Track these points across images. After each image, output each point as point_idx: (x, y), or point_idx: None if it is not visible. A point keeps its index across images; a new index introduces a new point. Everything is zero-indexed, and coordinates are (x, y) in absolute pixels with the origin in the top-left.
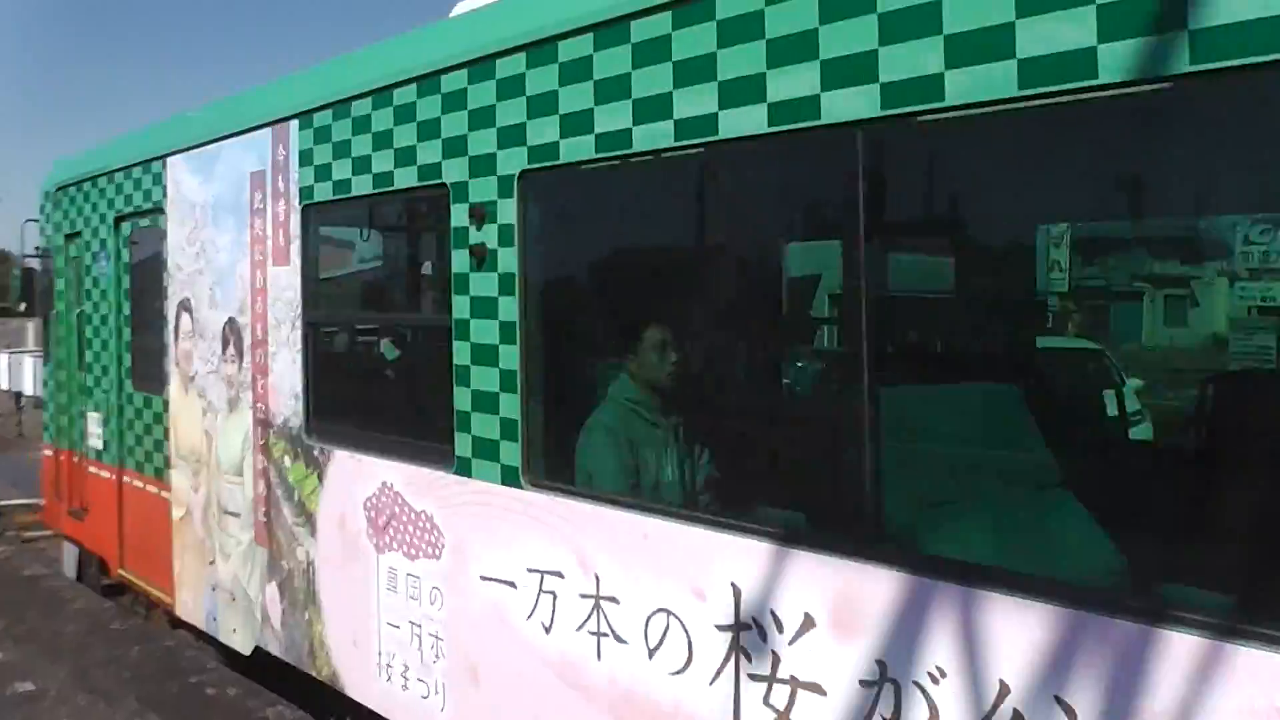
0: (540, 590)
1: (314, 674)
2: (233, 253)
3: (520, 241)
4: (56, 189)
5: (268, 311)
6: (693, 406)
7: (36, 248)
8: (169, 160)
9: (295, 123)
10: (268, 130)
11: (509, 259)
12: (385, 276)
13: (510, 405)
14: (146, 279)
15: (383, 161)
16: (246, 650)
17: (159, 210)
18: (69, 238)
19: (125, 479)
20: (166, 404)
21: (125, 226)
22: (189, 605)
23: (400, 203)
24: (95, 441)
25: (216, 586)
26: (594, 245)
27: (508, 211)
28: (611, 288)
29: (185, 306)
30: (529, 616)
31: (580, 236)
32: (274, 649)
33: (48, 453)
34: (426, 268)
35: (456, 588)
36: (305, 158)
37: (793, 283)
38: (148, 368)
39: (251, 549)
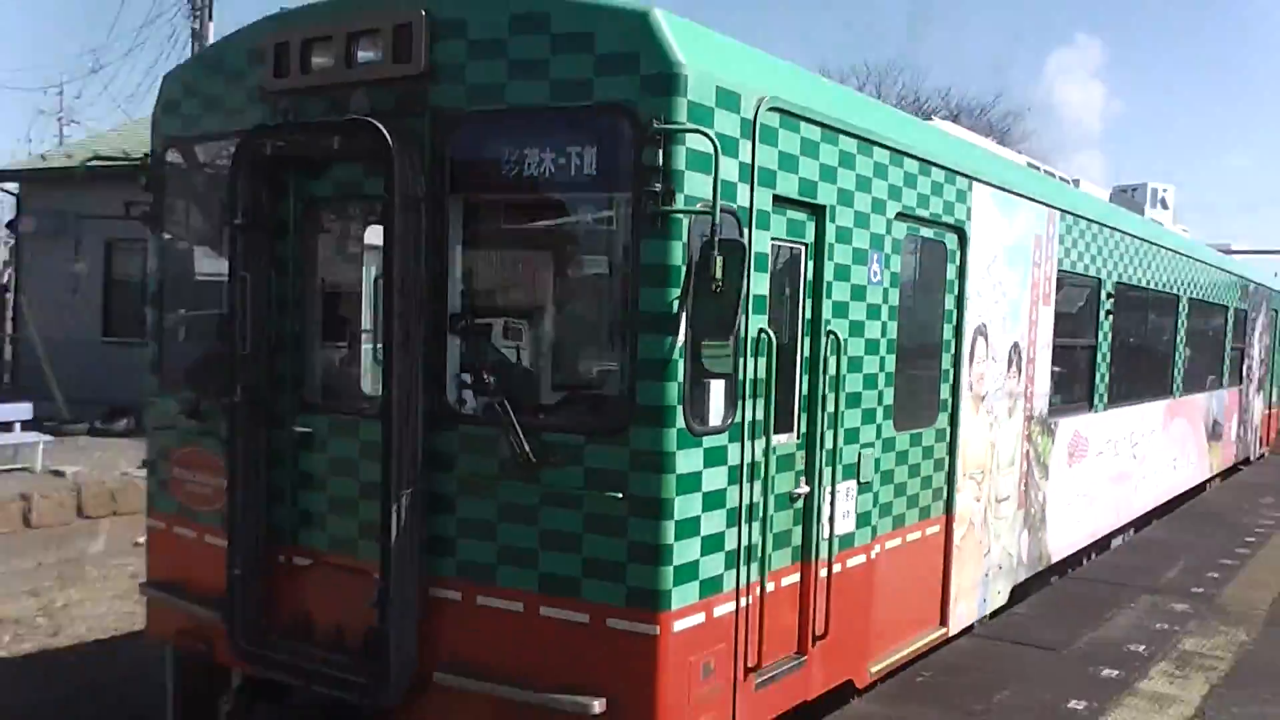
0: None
1: (1039, 568)
2: (1020, 291)
3: None
4: (776, 108)
5: (1037, 337)
6: None
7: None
8: (975, 185)
9: (1059, 214)
10: (1047, 210)
11: None
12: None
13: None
14: (914, 296)
15: (1102, 259)
16: (1004, 598)
17: (957, 229)
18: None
19: (884, 546)
20: (951, 430)
21: (899, 228)
22: (962, 612)
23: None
24: (841, 524)
25: (989, 570)
26: None
27: None
28: None
29: (981, 332)
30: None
31: None
32: (1020, 577)
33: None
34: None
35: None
36: (1061, 239)
37: None
38: (915, 400)
39: (1014, 516)
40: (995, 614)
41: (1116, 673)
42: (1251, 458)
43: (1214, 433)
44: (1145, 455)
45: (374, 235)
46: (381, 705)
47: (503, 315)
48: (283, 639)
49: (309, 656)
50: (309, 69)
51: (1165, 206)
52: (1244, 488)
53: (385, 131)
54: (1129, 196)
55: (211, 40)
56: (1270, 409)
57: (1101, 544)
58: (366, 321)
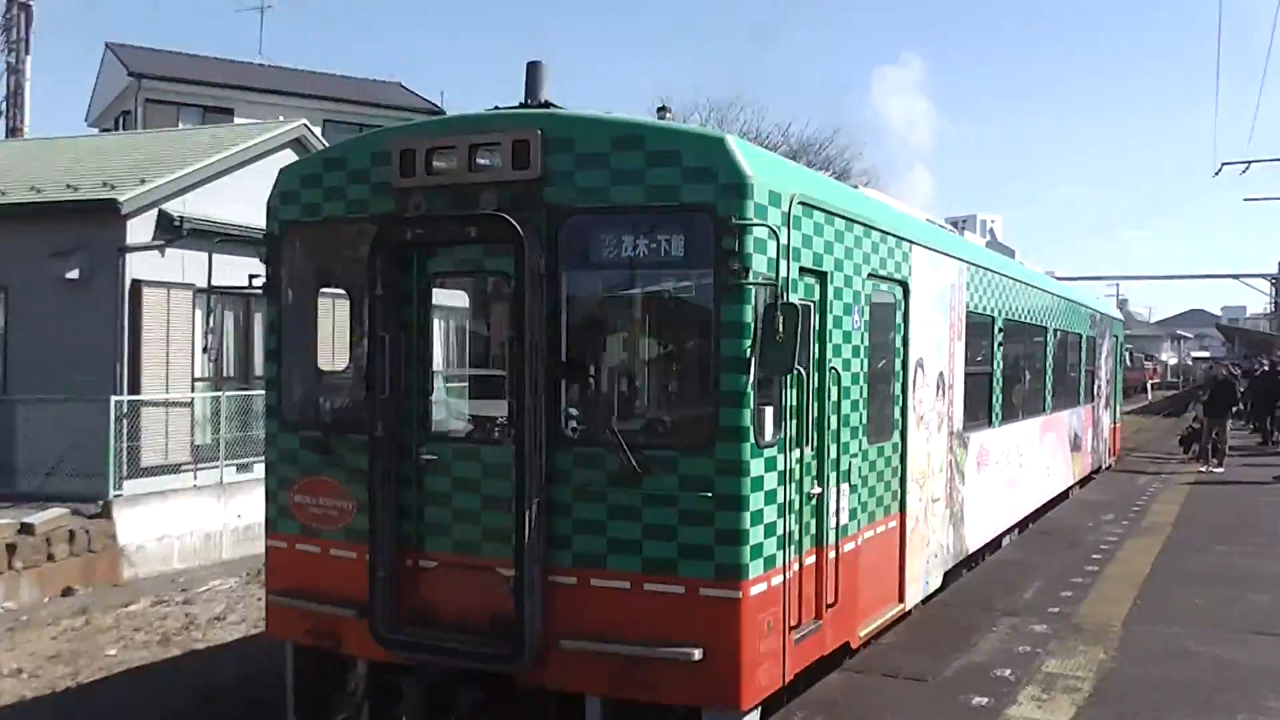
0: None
1: (960, 558)
2: (942, 329)
3: None
4: (796, 199)
5: (955, 367)
6: None
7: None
8: (914, 247)
9: (967, 266)
10: (959, 263)
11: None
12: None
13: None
14: (876, 337)
15: (995, 300)
16: (939, 583)
17: (902, 283)
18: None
19: (864, 536)
20: (902, 444)
21: (869, 285)
22: (912, 593)
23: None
24: (842, 517)
25: (928, 559)
26: None
27: None
28: None
29: (919, 364)
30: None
31: None
32: (949, 565)
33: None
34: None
35: (985, 470)
36: (968, 286)
37: None
38: (879, 420)
39: (944, 514)
40: (928, 598)
41: (986, 700)
42: (1103, 467)
43: (1075, 445)
44: (1027, 464)
45: (441, 297)
46: (517, 669)
47: (604, 362)
48: (414, 627)
49: (440, 639)
50: (433, 171)
51: (994, 237)
52: (1086, 505)
53: (516, 224)
54: (959, 227)
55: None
56: (1115, 423)
57: (995, 542)
58: (438, 363)
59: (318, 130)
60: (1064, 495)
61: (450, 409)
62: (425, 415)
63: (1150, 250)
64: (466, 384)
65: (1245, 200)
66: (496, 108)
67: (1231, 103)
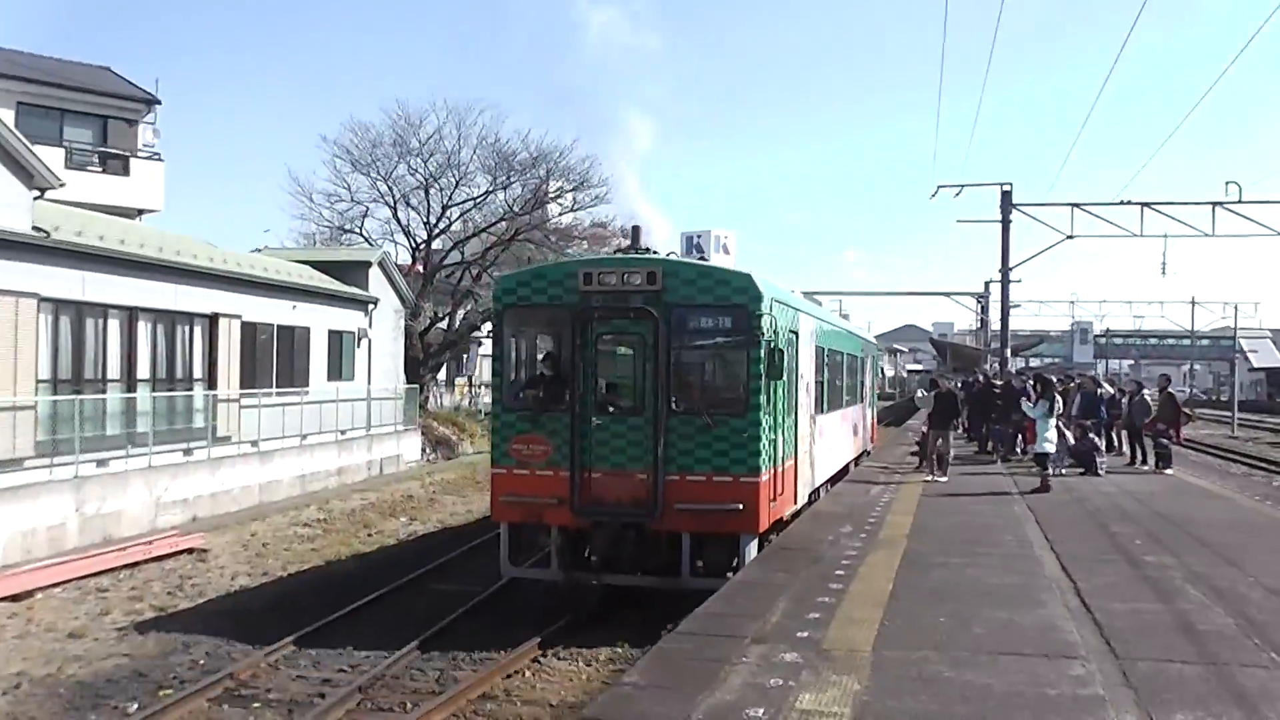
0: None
1: (813, 488)
2: (806, 356)
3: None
4: (773, 300)
5: (810, 379)
6: None
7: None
8: (800, 314)
9: (814, 320)
10: (813, 320)
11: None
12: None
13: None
14: (791, 359)
15: (822, 339)
16: (804, 500)
17: (797, 332)
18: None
19: (787, 464)
20: (797, 419)
21: (788, 335)
22: (800, 500)
23: (820, 351)
24: (786, 450)
25: (804, 483)
26: None
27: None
28: None
29: (804, 376)
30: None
31: None
32: (809, 490)
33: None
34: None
35: (821, 438)
36: (814, 331)
37: None
38: (791, 405)
39: (807, 459)
40: (801, 509)
41: None
42: (869, 450)
43: (855, 431)
44: (838, 437)
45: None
46: (651, 522)
47: (692, 375)
48: (594, 505)
49: (608, 509)
50: (604, 284)
51: (727, 252)
52: (822, 517)
53: (653, 311)
54: (695, 241)
55: None
56: (874, 418)
57: (826, 484)
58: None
59: (9, 116)
60: (855, 461)
61: (604, 400)
62: (594, 403)
63: (870, 268)
64: (611, 388)
65: (958, 222)
66: (627, 251)
67: (951, 129)
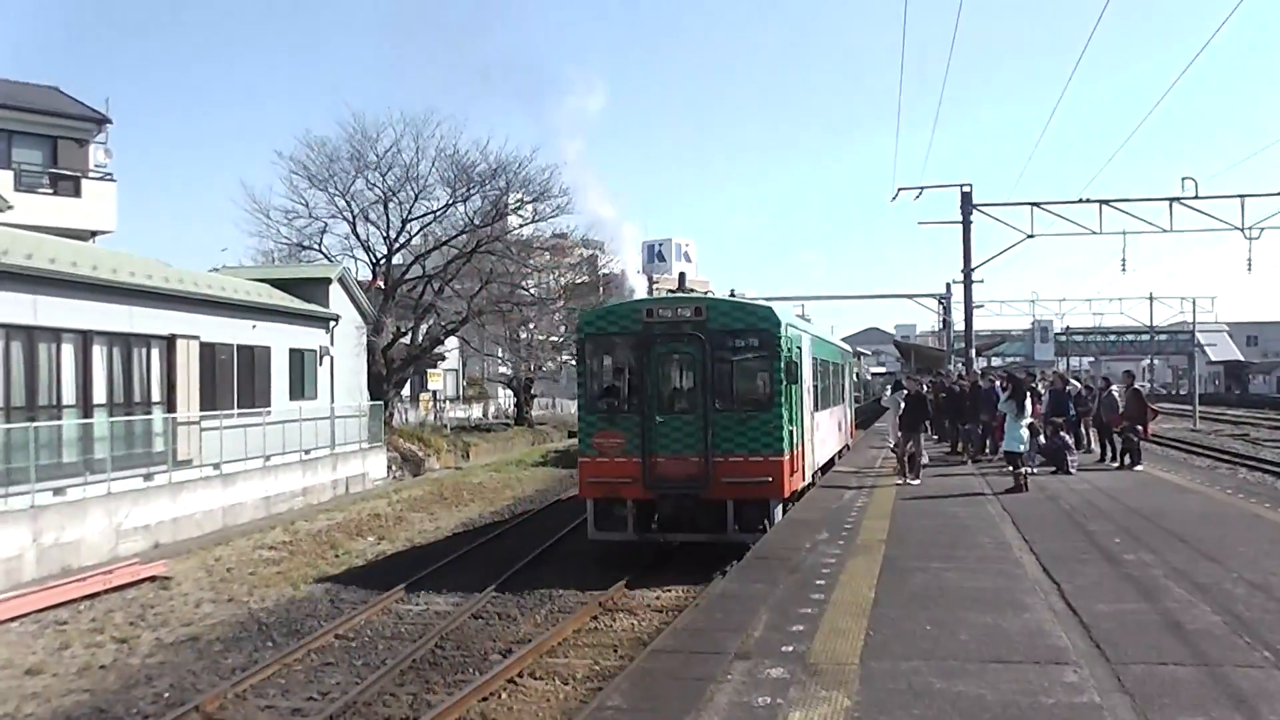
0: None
1: (816, 469)
2: (806, 365)
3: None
4: (787, 324)
5: (810, 383)
6: None
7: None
8: (804, 335)
9: (809, 336)
10: (807, 335)
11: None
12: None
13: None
14: (800, 368)
15: (815, 350)
16: (809, 480)
17: (801, 348)
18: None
19: (799, 448)
20: (804, 414)
21: (797, 349)
22: (807, 478)
23: (808, 359)
24: (799, 437)
25: (811, 465)
26: None
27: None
28: None
29: (803, 380)
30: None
31: None
32: (812, 470)
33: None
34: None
35: (817, 430)
36: (811, 345)
37: None
38: (803, 403)
39: (810, 446)
40: (807, 486)
41: None
42: (849, 445)
43: (839, 427)
44: (827, 432)
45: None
46: (703, 493)
47: (731, 383)
48: (660, 482)
49: (670, 485)
50: (661, 316)
51: (689, 259)
52: (798, 524)
53: (700, 336)
54: (656, 249)
55: None
56: (853, 416)
57: (823, 468)
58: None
59: None
60: (839, 454)
61: (664, 404)
62: (657, 406)
63: (829, 270)
64: (669, 394)
65: (920, 224)
66: (674, 292)
67: (911, 135)
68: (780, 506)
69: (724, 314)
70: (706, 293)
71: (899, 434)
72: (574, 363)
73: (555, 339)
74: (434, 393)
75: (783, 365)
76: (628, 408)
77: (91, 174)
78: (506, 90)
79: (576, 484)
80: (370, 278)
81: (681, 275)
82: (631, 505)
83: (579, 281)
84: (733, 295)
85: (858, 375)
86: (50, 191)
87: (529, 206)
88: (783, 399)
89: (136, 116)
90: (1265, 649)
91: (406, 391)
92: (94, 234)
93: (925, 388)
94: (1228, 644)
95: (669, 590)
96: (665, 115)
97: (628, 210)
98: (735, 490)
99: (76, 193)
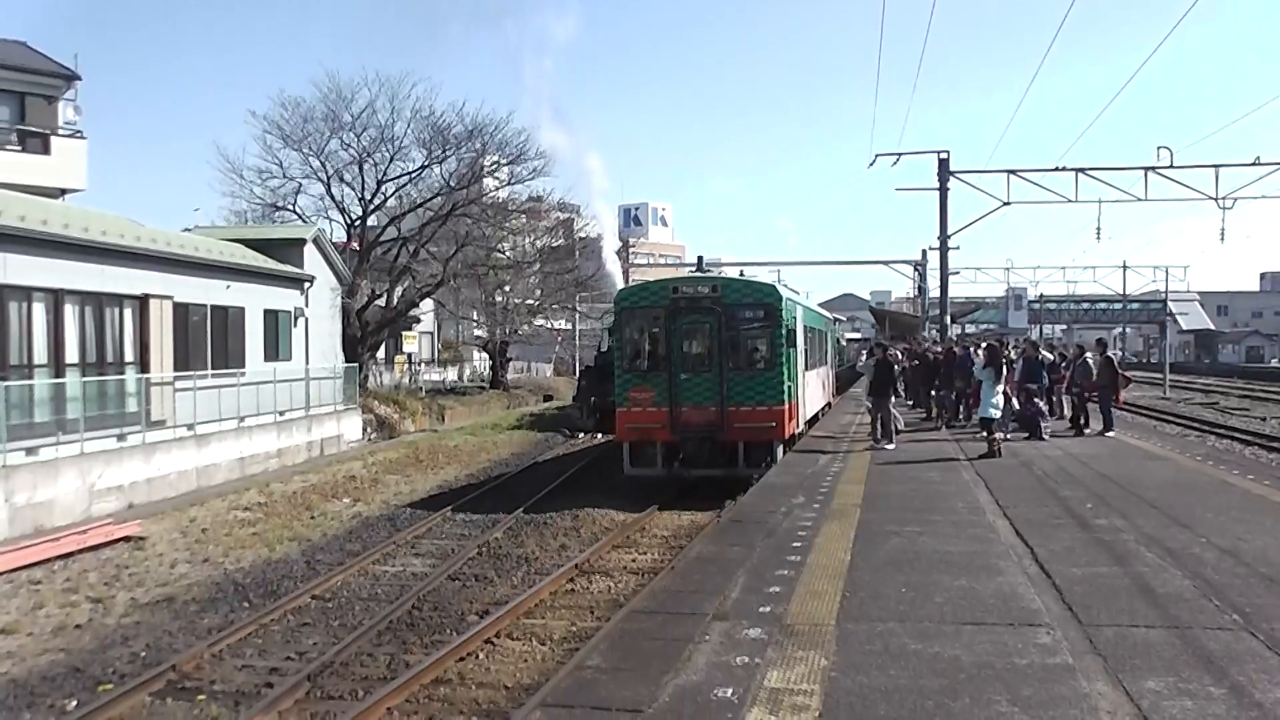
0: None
1: (807, 418)
2: (799, 331)
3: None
4: (786, 298)
5: (803, 347)
6: None
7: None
8: (799, 306)
9: (801, 307)
10: (800, 306)
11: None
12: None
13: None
14: (795, 334)
15: (806, 318)
16: (803, 427)
17: (796, 317)
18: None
19: (795, 399)
20: (797, 372)
21: (793, 318)
22: (802, 424)
23: (805, 326)
24: (793, 390)
25: (804, 414)
26: None
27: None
28: None
29: (797, 344)
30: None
31: None
32: (804, 420)
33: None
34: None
35: (807, 387)
36: (801, 315)
37: None
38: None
39: (801, 399)
40: (801, 434)
41: None
42: (831, 402)
43: (824, 386)
44: (815, 388)
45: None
46: (720, 436)
47: (741, 347)
48: (684, 428)
49: (692, 429)
50: (684, 293)
51: (665, 224)
52: (773, 489)
53: (718, 309)
54: (633, 213)
55: None
56: (834, 378)
57: (810, 420)
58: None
59: None
60: (823, 410)
61: (687, 364)
62: (681, 365)
63: (804, 237)
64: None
65: (897, 190)
66: (700, 270)
67: (890, 98)
68: (781, 446)
69: (736, 290)
70: (718, 271)
71: (869, 400)
72: (553, 327)
73: (531, 302)
74: (409, 355)
75: (783, 332)
76: (657, 367)
77: (61, 131)
78: (479, 40)
79: (559, 447)
80: (345, 239)
81: (699, 259)
82: (660, 446)
83: (555, 245)
84: (704, 267)
85: (837, 340)
86: (19, 149)
87: (505, 169)
88: (783, 359)
89: (106, 75)
90: (1234, 612)
91: (381, 354)
92: (64, 192)
93: (898, 354)
94: (1197, 607)
95: (690, 513)
96: (642, 73)
97: (610, 173)
98: (745, 433)
99: (45, 150)
